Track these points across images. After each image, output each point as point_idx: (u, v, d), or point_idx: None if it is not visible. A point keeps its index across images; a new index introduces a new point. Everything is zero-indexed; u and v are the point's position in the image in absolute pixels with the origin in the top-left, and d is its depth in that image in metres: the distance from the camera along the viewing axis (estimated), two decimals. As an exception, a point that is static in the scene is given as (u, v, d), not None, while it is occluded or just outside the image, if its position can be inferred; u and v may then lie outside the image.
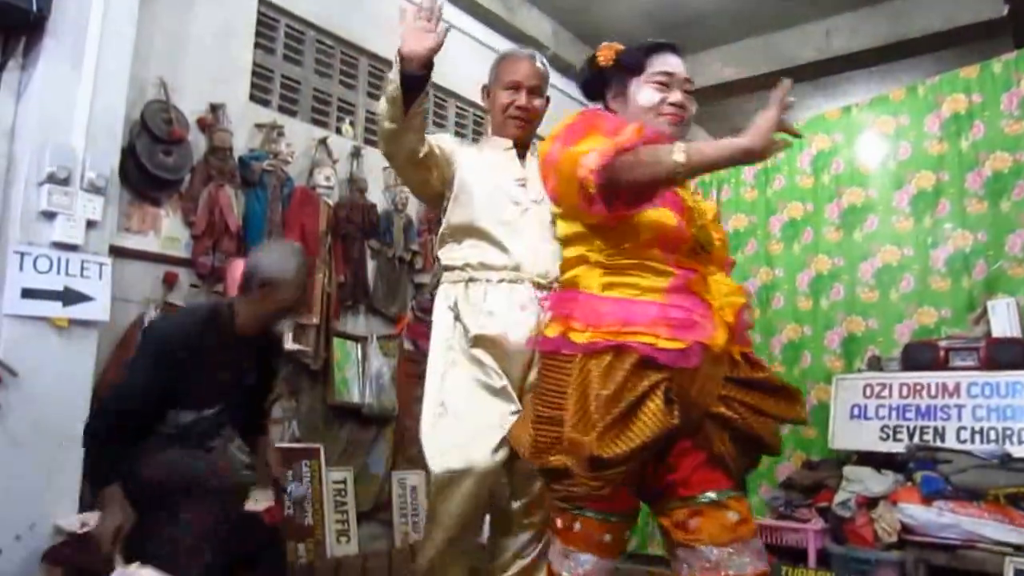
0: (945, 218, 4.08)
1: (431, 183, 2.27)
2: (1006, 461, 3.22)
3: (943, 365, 3.67)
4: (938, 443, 3.50)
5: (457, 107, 5.26)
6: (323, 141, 4.15)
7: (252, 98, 3.97)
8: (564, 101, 6.03)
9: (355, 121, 4.56)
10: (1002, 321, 3.63)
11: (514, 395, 2.13)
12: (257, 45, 4.04)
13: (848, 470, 3.62)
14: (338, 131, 4.40)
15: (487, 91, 2.44)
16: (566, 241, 1.83)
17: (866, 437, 3.74)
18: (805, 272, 4.56)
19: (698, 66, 6.20)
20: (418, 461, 4.26)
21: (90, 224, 2.98)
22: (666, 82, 1.82)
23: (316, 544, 3.63)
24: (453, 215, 2.25)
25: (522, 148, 2.37)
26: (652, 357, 1.56)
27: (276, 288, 2.36)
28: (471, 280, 2.19)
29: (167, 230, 3.48)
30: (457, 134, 5.25)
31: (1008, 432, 3.36)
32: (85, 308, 2.93)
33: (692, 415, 1.61)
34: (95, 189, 2.98)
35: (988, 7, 5.02)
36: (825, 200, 4.57)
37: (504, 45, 5.48)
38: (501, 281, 2.17)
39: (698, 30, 5.87)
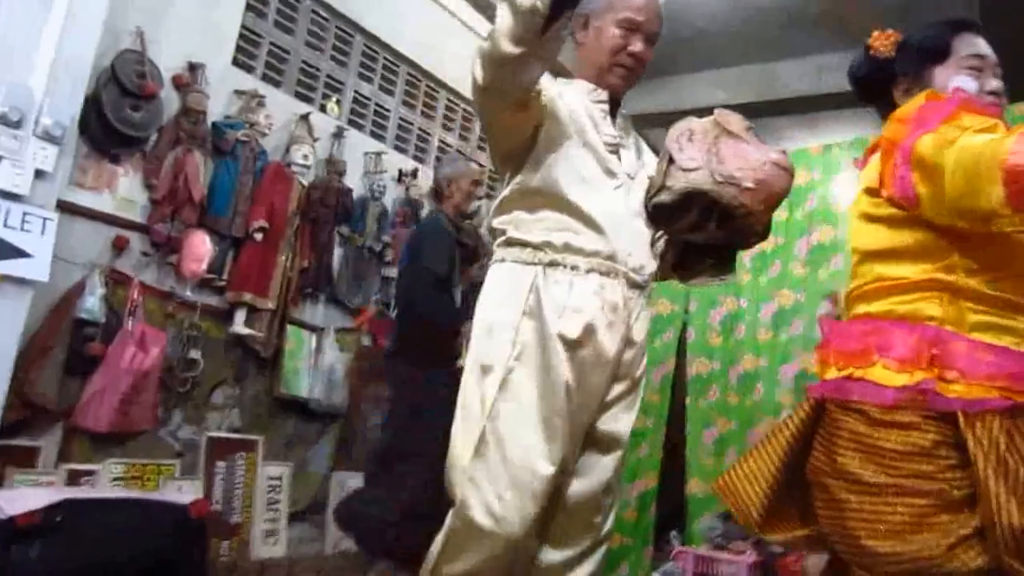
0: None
1: (525, 132, 1.74)
2: None
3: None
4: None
5: (448, 100, 5.08)
6: (305, 117, 3.93)
7: (235, 62, 3.74)
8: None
9: (342, 100, 4.35)
10: None
11: (581, 432, 1.73)
12: (249, 7, 3.81)
13: None
14: (323, 108, 4.19)
15: (585, 21, 1.89)
16: (892, 254, 1.41)
17: None
18: (769, 305, 4.50)
19: (690, 87, 6.14)
20: (360, 462, 4.11)
21: (39, 174, 2.72)
22: (979, 66, 1.51)
23: (241, 543, 3.42)
24: (531, 176, 1.74)
25: (615, 105, 1.92)
26: None
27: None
28: (552, 264, 1.71)
29: (124, 191, 3.23)
30: (444, 128, 5.06)
31: None
32: (21, 265, 2.67)
33: None
34: (50, 137, 2.73)
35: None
36: (796, 235, 4.52)
37: (505, 42, 5.32)
38: (591, 271, 1.71)
39: (695, 50, 5.78)
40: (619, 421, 1.83)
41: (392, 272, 4.34)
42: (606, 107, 1.88)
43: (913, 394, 1.28)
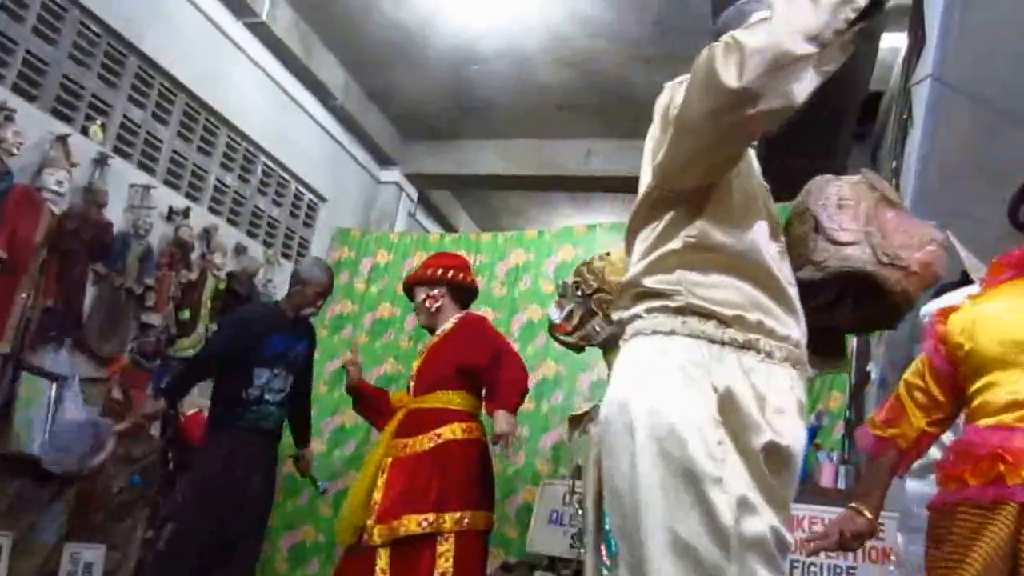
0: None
1: (727, 168, 1.39)
2: None
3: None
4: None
5: (229, 137, 4.80)
6: (63, 138, 3.51)
7: (-20, 67, 3.26)
8: (342, 156, 5.84)
9: (107, 124, 3.94)
10: None
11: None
12: (3, 7, 3.36)
13: (538, 575, 3.69)
14: (84, 131, 3.77)
15: None
16: None
17: (559, 543, 3.83)
18: (532, 375, 4.68)
19: (474, 153, 6.40)
20: (101, 531, 3.63)
21: None
22: None
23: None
24: (715, 230, 1.35)
25: None
26: None
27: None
28: (746, 347, 1.32)
29: None
30: (223, 167, 4.77)
31: None
32: None
33: None
34: None
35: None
36: (563, 308, 4.82)
37: (295, 86, 5.20)
38: (785, 361, 1.35)
39: (481, 119, 6.06)
40: None
41: (154, 319, 3.96)
42: None
43: None
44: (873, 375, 3.65)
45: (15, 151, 3.27)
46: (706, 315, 1.33)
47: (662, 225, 1.39)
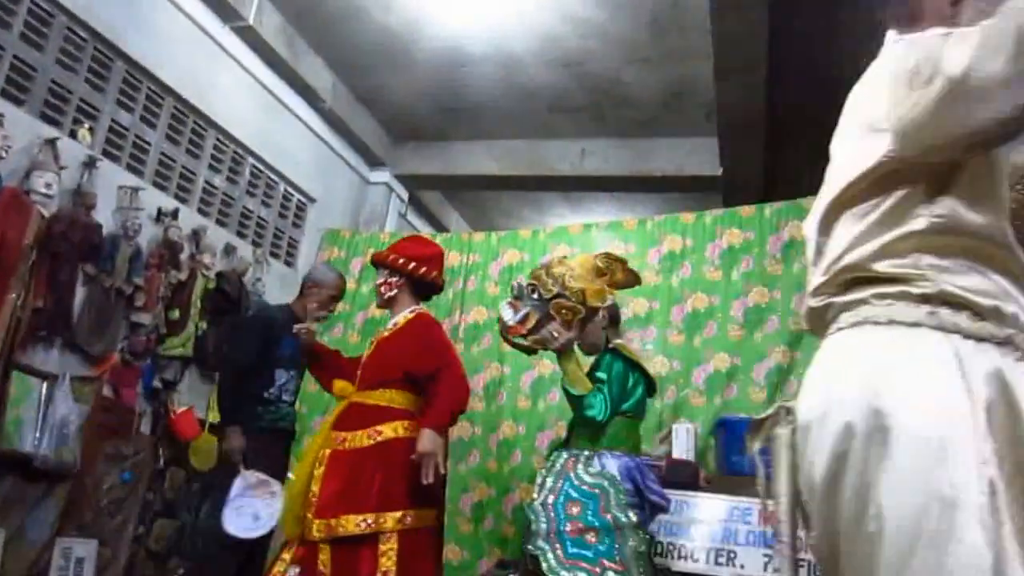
0: (650, 342, 4.48)
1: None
2: (666, 574, 3.53)
3: (630, 478, 3.96)
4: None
5: (217, 139, 4.87)
6: (51, 142, 3.57)
7: (-32, 72, 3.33)
8: (330, 157, 5.90)
9: (96, 128, 4.01)
10: (682, 443, 3.99)
11: None
12: (-10, 14, 3.43)
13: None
14: (72, 135, 3.83)
15: None
16: None
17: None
18: (529, 373, 4.73)
19: (465, 154, 6.45)
20: (92, 527, 3.69)
21: None
22: None
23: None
24: (966, 212, 1.18)
25: None
26: None
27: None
28: (1005, 344, 1.14)
29: None
30: (212, 169, 4.84)
31: (671, 548, 3.69)
32: None
33: None
34: None
35: (709, 165, 5.81)
36: (559, 309, 4.84)
37: (283, 88, 5.26)
38: None
39: (471, 120, 6.10)
40: None
41: (144, 318, 4.03)
42: None
43: None
44: None
45: (3, 155, 3.31)
46: (959, 306, 1.14)
47: (891, 202, 1.21)
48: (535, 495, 2.73)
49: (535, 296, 2.79)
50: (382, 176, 6.43)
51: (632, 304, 4.53)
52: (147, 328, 4.03)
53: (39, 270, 3.49)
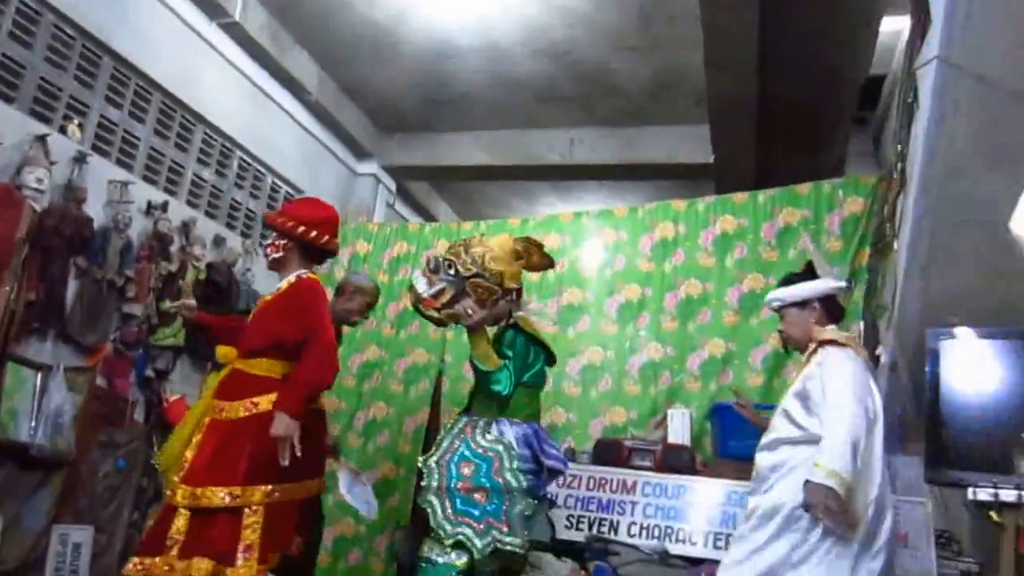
0: (644, 329, 4.56)
1: None
2: (664, 557, 3.63)
3: (625, 463, 4.02)
4: (612, 535, 3.83)
5: (205, 133, 4.94)
6: (42, 138, 3.65)
7: (-42, 71, 3.39)
8: (317, 149, 5.97)
9: (85, 124, 4.08)
10: (677, 429, 4.11)
11: None
12: (-22, 14, 3.49)
13: (533, 556, 3.80)
14: (62, 131, 3.90)
15: None
16: None
17: (558, 523, 3.98)
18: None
19: (452, 145, 6.52)
20: (88, 514, 3.78)
21: None
22: None
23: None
24: None
25: None
26: None
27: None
28: None
29: None
30: (200, 162, 4.91)
31: (669, 530, 3.79)
32: None
33: None
34: None
35: (701, 153, 5.87)
36: (548, 296, 4.88)
37: (269, 82, 5.33)
38: None
39: (458, 111, 6.16)
40: None
41: (136, 309, 4.11)
42: None
43: None
44: (883, 359, 3.65)
45: (-6, 151, 3.41)
46: None
47: None
48: (431, 453, 2.80)
49: (451, 272, 2.84)
50: (369, 167, 6.50)
51: (624, 291, 4.59)
52: (139, 319, 4.11)
53: (31, 264, 3.57)
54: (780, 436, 2.57)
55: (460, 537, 2.62)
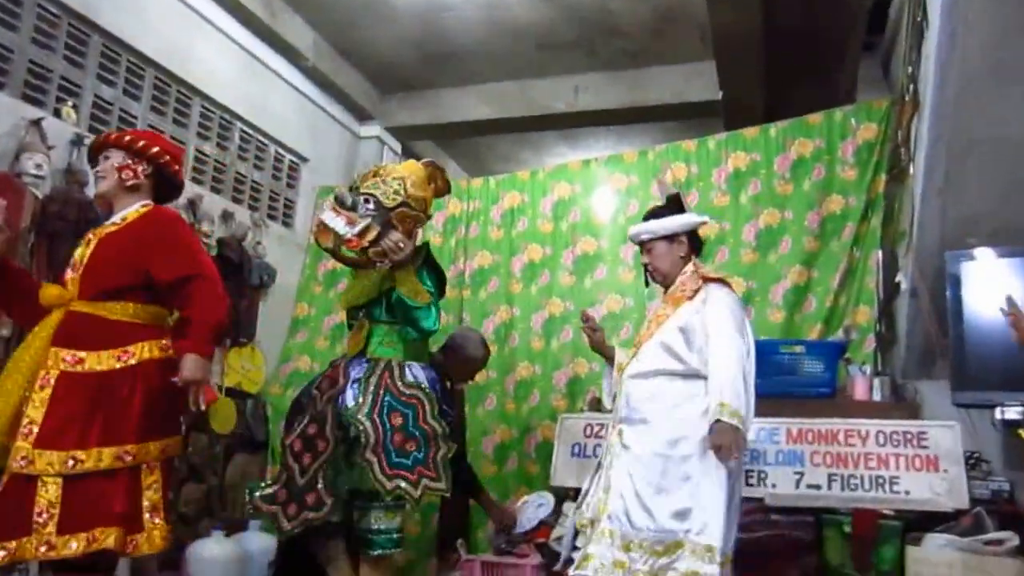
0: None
1: None
2: None
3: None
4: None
5: (203, 107, 4.87)
6: (37, 123, 3.61)
7: (-55, 60, 3.36)
8: (319, 115, 5.89)
9: (79, 105, 4.03)
10: None
11: None
12: (-41, -3, 3.43)
13: (566, 507, 3.78)
14: (57, 114, 3.86)
15: None
16: None
17: (585, 475, 3.96)
18: (540, 313, 4.77)
19: (455, 101, 6.40)
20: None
21: None
22: None
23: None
24: None
25: None
26: None
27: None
28: None
29: None
30: (200, 136, 4.86)
31: None
32: None
33: None
34: None
35: (709, 90, 5.71)
36: (562, 246, 4.84)
37: (263, 49, 5.24)
38: None
39: (459, 66, 6.03)
40: None
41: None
42: None
43: None
44: (903, 286, 3.63)
45: (-11, 139, 3.38)
46: None
47: None
48: (360, 407, 2.67)
49: (370, 206, 2.66)
50: (372, 130, 6.42)
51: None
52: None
53: (38, 251, 3.56)
54: (657, 367, 2.63)
55: (398, 491, 2.59)
